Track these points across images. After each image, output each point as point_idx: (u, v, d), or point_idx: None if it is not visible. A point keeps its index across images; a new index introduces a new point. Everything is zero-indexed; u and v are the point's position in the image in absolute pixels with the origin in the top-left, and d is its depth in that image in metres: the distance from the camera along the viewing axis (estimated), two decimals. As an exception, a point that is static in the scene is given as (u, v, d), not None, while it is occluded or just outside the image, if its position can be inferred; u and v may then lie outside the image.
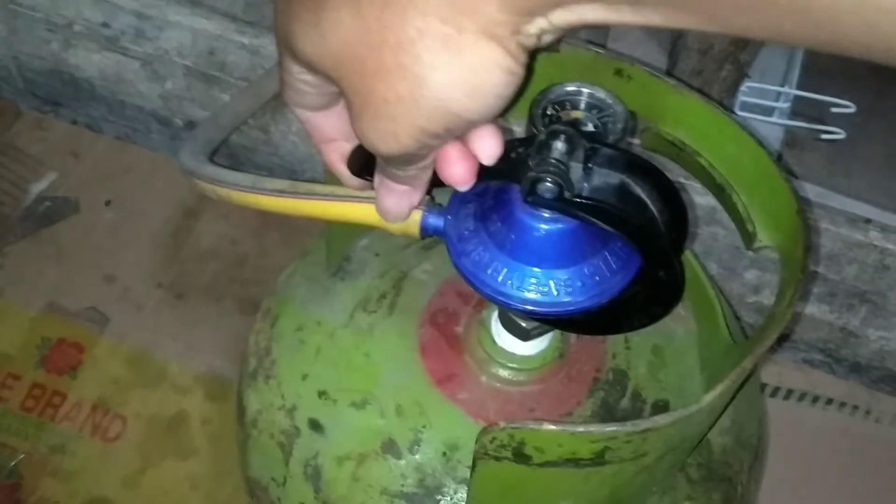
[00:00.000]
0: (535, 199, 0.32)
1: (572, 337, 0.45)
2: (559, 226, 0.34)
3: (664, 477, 0.41)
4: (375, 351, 0.46)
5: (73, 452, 0.65)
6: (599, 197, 0.33)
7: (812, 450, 0.69)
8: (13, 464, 0.64)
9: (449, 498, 0.42)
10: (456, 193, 0.38)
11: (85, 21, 0.75)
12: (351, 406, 0.44)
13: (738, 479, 0.46)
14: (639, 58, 0.42)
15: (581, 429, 0.31)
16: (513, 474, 0.34)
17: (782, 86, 0.72)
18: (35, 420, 0.66)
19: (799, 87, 0.72)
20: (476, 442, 0.33)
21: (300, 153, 0.75)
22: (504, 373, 0.44)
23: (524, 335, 0.42)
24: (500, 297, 0.35)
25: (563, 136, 0.32)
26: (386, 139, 0.28)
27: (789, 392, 0.71)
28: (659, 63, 0.69)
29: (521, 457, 0.33)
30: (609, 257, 0.35)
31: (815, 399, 0.70)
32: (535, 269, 0.35)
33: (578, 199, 0.32)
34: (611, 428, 0.31)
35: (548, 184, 0.32)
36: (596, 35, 0.71)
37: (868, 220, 0.70)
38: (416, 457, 0.43)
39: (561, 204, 0.32)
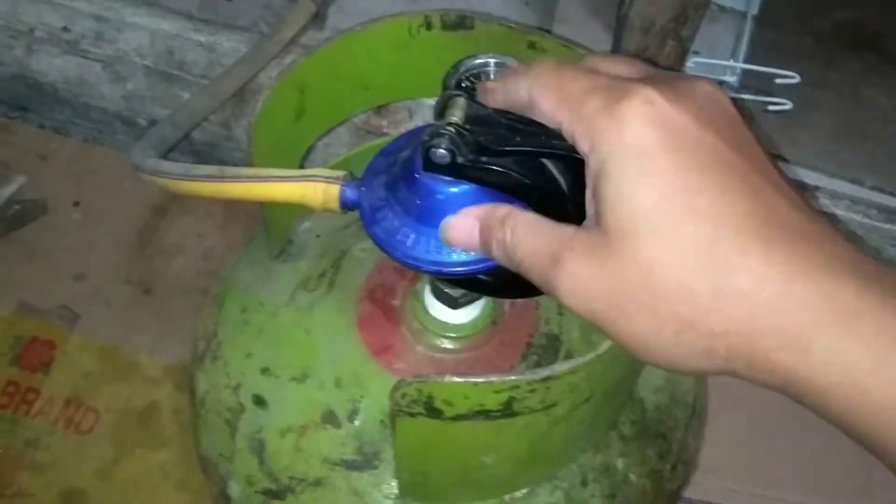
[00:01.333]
0: (429, 166, 0.34)
1: (506, 305, 0.47)
2: (462, 188, 0.35)
3: (590, 432, 0.42)
4: (315, 327, 0.47)
5: (48, 446, 0.66)
6: (495, 161, 0.34)
7: (773, 414, 0.70)
8: (-12, 459, 0.65)
9: (388, 463, 0.43)
10: (369, 166, 0.39)
11: (45, 26, 0.77)
12: (292, 380, 0.46)
13: (672, 435, 0.47)
14: (583, 39, 0.44)
15: (482, 379, 0.33)
16: (430, 430, 0.36)
17: (729, 60, 0.74)
18: (10, 416, 0.67)
19: (746, 62, 0.74)
20: (390, 398, 0.35)
21: (261, 147, 0.77)
22: (438, 342, 0.45)
23: (453, 303, 0.44)
24: (410, 261, 0.37)
25: (457, 102, 0.34)
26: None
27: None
28: (603, 42, 0.71)
29: (432, 411, 0.35)
30: None
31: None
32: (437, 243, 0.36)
33: (470, 164, 0.33)
34: (510, 377, 0.33)
35: (440, 150, 0.33)
36: (541, 18, 0.72)
37: (817, 188, 0.71)
38: (355, 425, 0.44)
39: (453, 169, 0.34)
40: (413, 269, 0.37)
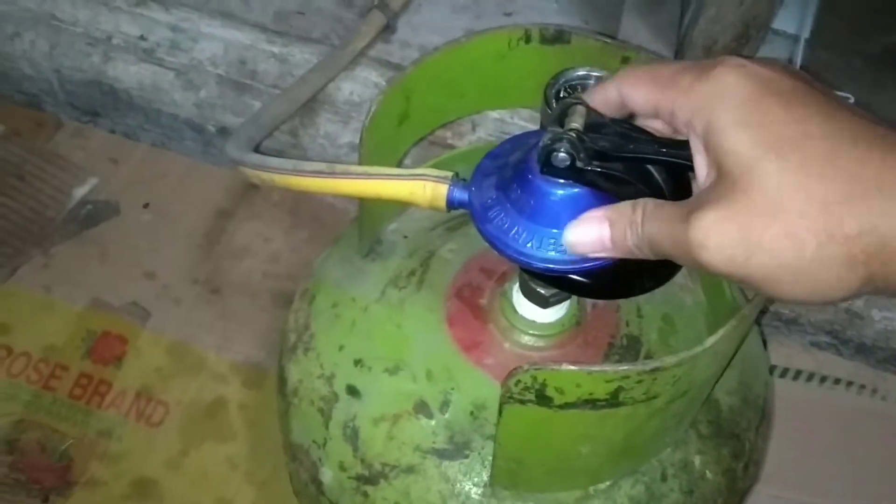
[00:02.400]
0: (548, 169, 0.36)
1: (588, 306, 0.49)
2: (574, 191, 0.38)
3: (675, 427, 0.44)
4: (406, 322, 0.49)
5: (119, 437, 0.69)
6: (609, 166, 0.36)
7: (820, 428, 0.72)
8: (63, 447, 0.68)
9: (477, 453, 0.45)
10: (478, 168, 0.42)
11: (123, 35, 0.80)
12: (385, 372, 0.48)
13: (745, 436, 0.49)
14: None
15: (596, 368, 0.35)
16: (536, 418, 0.38)
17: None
18: (83, 407, 0.70)
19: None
20: (502, 386, 0.37)
21: (328, 155, 0.80)
22: (525, 339, 0.47)
23: (543, 302, 0.46)
24: (523, 258, 0.39)
25: (577, 109, 0.36)
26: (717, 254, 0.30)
27: (798, 373, 0.74)
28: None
29: (543, 399, 0.37)
30: None
31: (823, 379, 0.73)
32: (554, 231, 0.38)
33: (588, 168, 0.36)
34: (623, 367, 0.35)
35: (561, 154, 0.36)
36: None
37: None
38: (446, 416, 0.46)
39: (572, 172, 0.36)
40: (524, 266, 0.39)
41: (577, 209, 0.38)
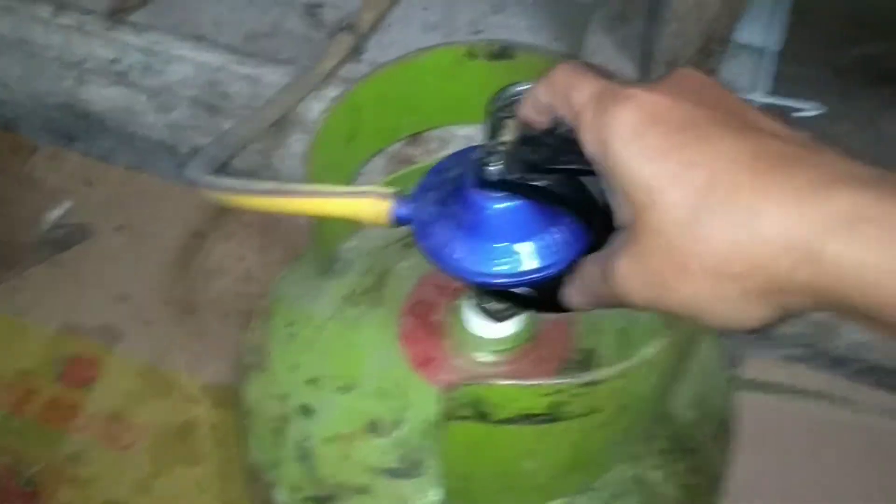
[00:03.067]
0: (482, 183, 0.36)
1: (542, 322, 0.49)
2: (509, 204, 0.38)
3: (625, 441, 0.44)
4: (360, 340, 0.49)
5: (89, 461, 0.68)
6: (540, 178, 0.36)
7: (794, 441, 0.71)
8: (31, 473, 0.67)
9: (430, 471, 0.45)
10: (421, 183, 0.42)
11: (96, 59, 0.80)
12: (338, 391, 0.48)
13: (703, 449, 0.49)
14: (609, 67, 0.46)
15: (531, 383, 0.35)
16: (477, 434, 0.38)
17: (751, 92, 0.76)
18: (53, 431, 0.69)
19: (767, 95, 0.76)
20: (440, 403, 0.37)
21: (299, 175, 0.79)
22: (478, 355, 0.47)
23: (494, 317, 0.46)
24: (460, 273, 0.39)
25: (507, 124, 0.36)
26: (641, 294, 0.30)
27: (771, 386, 0.73)
28: (630, 74, 0.73)
29: (481, 415, 0.36)
30: (558, 232, 0.39)
31: (797, 392, 0.73)
32: (490, 244, 0.38)
33: (519, 182, 0.36)
34: (556, 381, 0.35)
35: (490, 167, 0.36)
36: (570, 48, 0.75)
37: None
38: (399, 434, 0.46)
39: (504, 185, 0.36)
40: (460, 280, 0.39)
41: (512, 222, 0.38)
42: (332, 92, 0.76)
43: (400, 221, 0.42)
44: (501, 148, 0.36)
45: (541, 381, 0.35)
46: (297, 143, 0.78)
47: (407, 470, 0.45)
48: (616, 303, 0.32)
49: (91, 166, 0.85)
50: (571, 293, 0.35)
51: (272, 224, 0.82)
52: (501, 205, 0.37)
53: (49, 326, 0.75)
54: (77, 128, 0.85)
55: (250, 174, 0.82)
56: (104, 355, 0.73)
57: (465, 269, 0.39)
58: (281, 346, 0.51)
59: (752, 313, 0.28)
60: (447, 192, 0.40)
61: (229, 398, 0.71)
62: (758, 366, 0.75)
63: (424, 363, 0.48)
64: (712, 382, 0.51)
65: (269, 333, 0.52)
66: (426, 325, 0.49)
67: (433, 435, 0.46)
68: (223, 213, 0.82)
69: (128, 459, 0.69)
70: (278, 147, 0.78)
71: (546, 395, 0.35)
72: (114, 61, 0.80)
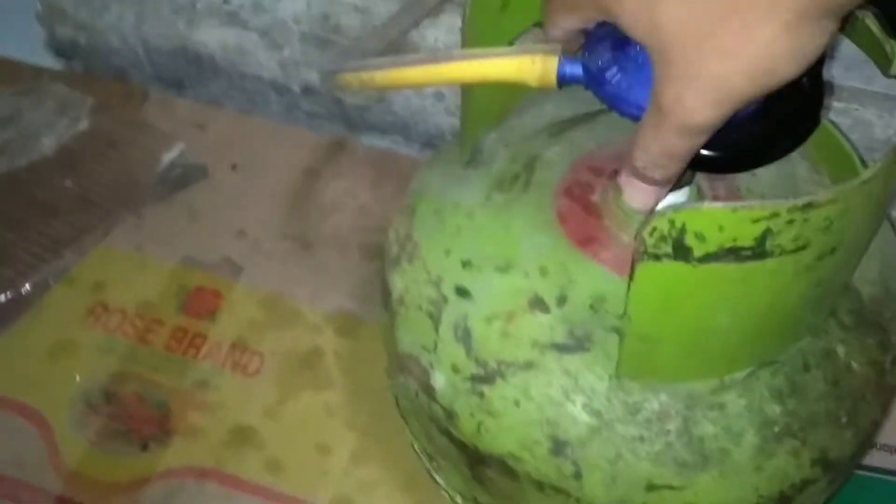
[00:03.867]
0: None
1: (707, 194, 0.46)
2: None
3: (816, 307, 0.41)
4: (514, 223, 0.47)
5: (216, 387, 0.68)
6: None
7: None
8: (160, 399, 0.67)
9: (599, 346, 0.43)
10: (590, 35, 0.40)
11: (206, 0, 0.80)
12: (495, 271, 0.46)
13: (890, 327, 0.45)
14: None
15: (742, 205, 0.32)
16: (673, 277, 0.35)
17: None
18: (179, 359, 0.69)
19: None
20: (635, 238, 0.34)
21: (414, 106, 0.78)
22: (644, 230, 0.45)
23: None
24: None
25: None
26: (703, 108, 0.33)
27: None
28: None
29: (681, 250, 0.34)
30: None
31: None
32: None
33: None
34: (772, 202, 0.32)
35: None
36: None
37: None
38: (564, 310, 0.44)
39: None
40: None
41: None
42: (447, 18, 0.75)
43: (567, 80, 0.40)
44: None
45: (755, 203, 0.32)
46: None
47: (575, 345, 0.43)
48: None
49: (202, 110, 0.85)
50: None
51: (385, 160, 0.80)
52: None
53: (170, 261, 0.74)
54: (188, 73, 0.85)
55: (362, 110, 0.81)
56: (225, 287, 0.73)
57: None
58: (429, 234, 0.49)
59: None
60: (624, 37, 0.38)
61: (352, 327, 0.70)
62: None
63: (586, 242, 0.46)
64: (894, 266, 0.48)
65: (415, 225, 0.50)
66: (584, 205, 0.47)
67: (601, 310, 0.44)
68: (335, 153, 0.81)
69: (255, 386, 0.68)
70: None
71: (758, 220, 0.33)
72: (224, 1, 0.80)
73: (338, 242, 0.75)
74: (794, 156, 0.40)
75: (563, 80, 0.40)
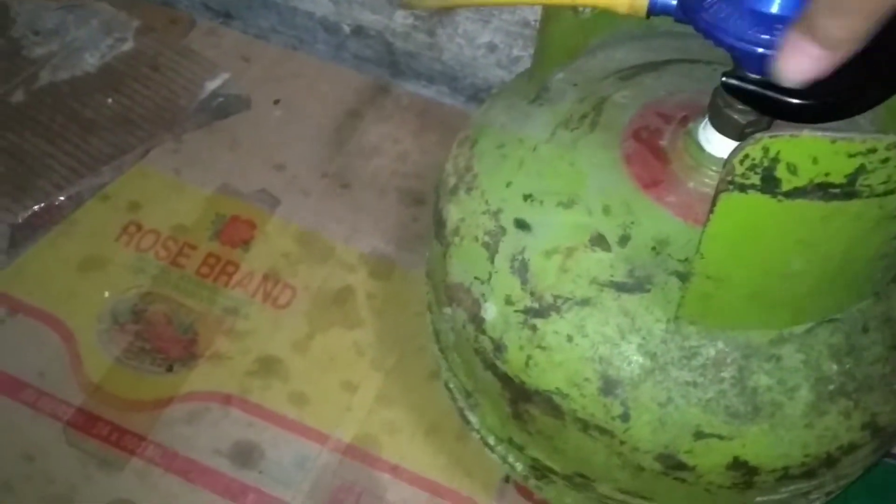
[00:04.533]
0: None
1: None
2: None
3: (889, 265, 0.40)
4: (580, 160, 0.46)
5: (246, 315, 0.67)
6: None
7: None
8: (190, 321, 0.66)
9: (659, 288, 0.42)
10: None
11: (265, -71, 0.79)
12: (558, 206, 0.45)
13: (951, 300, 0.44)
14: None
15: (841, 136, 0.31)
16: (756, 211, 0.34)
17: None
18: (210, 285, 0.68)
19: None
20: (724, 167, 0.34)
21: (464, 57, 0.77)
22: (713, 178, 0.44)
23: (739, 133, 0.42)
24: (745, 45, 0.36)
25: None
26: None
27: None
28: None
29: (770, 182, 0.33)
30: None
31: None
32: (777, 24, 0.35)
33: None
34: (871, 136, 0.31)
35: None
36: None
37: None
38: (625, 250, 0.43)
39: None
40: (744, 54, 0.36)
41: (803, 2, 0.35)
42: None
43: (658, 9, 0.39)
44: None
45: (854, 135, 0.31)
46: (465, 22, 0.75)
47: (635, 285, 0.42)
48: None
49: (249, 43, 0.84)
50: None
51: (429, 107, 0.79)
52: None
53: (206, 188, 0.74)
54: (237, 4, 0.84)
55: (411, 56, 0.80)
56: (261, 218, 0.72)
57: (753, 40, 0.35)
58: (491, 166, 0.48)
59: None
60: None
61: (386, 270, 0.70)
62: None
63: (651, 184, 0.45)
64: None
65: (476, 156, 0.49)
66: (652, 149, 0.46)
67: (664, 253, 0.43)
68: (379, 96, 0.80)
69: (284, 318, 0.67)
70: (446, 26, 0.76)
71: (854, 154, 0.32)
72: (283, -66, 0.79)
73: (376, 185, 0.75)
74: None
75: (654, 9, 0.39)
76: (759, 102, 0.39)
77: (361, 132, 0.78)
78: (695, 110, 0.46)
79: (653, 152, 0.46)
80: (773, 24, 0.36)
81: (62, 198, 0.71)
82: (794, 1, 0.35)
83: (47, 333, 0.66)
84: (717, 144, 0.43)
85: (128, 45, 0.82)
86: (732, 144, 0.43)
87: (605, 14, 0.50)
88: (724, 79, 0.39)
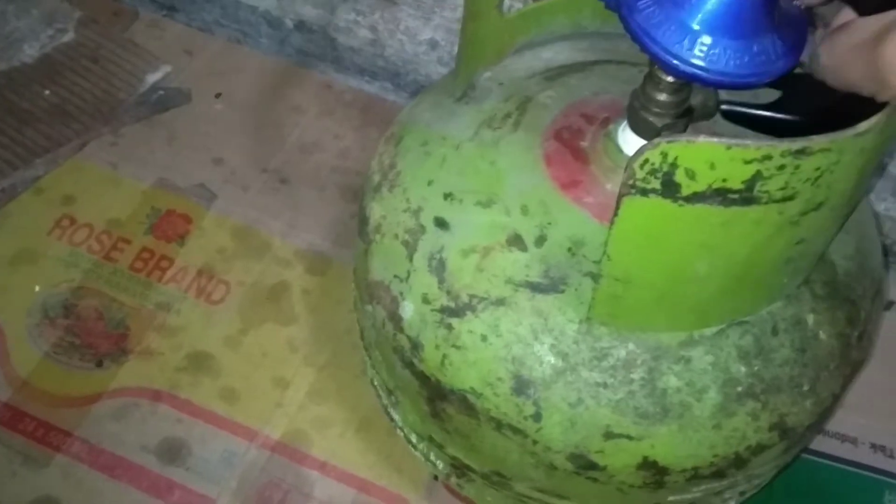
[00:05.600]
0: None
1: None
2: None
3: (793, 272, 0.41)
4: (501, 159, 0.46)
5: (178, 311, 0.66)
6: None
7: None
8: (120, 316, 0.66)
9: (573, 288, 0.42)
10: None
11: (209, -80, 0.78)
12: (477, 205, 0.45)
13: (861, 303, 0.45)
14: None
15: (736, 141, 0.32)
16: (658, 215, 0.35)
17: None
18: (143, 280, 0.68)
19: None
20: (626, 170, 0.34)
21: (406, 53, 0.77)
22: (630, 179, 0.44)
23: (655, 135, 0.42)
24: (669, 57, 0.35)
25: None
26: None
27: (890, 304, 0.70)
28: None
29: (669, 186, 0.34)
30: (777, 41, 0.35)
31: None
32: (707, 35, 0.35)
33: None
34: (766, 143, 0.32)
35: None
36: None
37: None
38: (541, 250, 0.43)
39: None
40: (668, 68, 0.36)
41: (738, 15, 0.35)
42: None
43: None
44: None
45: (749, 142, 0.32)
46: (407, 19, 0.75)
47: (549, 285, 0.43)
48: (876, 90, 0.28)
49: (192, 36, 0.83)
50: (828, 50, 0.31)
51: (372, 105, 0.79)
52: None
53: (143, 182, 0.73)
54: (181, -4, 0.83)
55: (354, 52, 0.80)
56: (198, 213, 0.71)
57: (679, 57, 0.35)
58: (414, 163, 0.48)
59: None
60: None
61: (322, 266, 0.69)
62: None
63: (570, 185, 0.45)
64: (870, 242, 0.48)
65: (400, 153, 0.49)
66: (572, 149, 0.46)
67: (579, 254, 0.43)
68: (322, 91, 0.79)
69: (218, 314, 0.66)
70: (388, 22, 0.76)
71: (750, 161, 0.32)
72: (226, -74, 0.78)
73: (316, 181, 0.74)
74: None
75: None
76: (759, 125, 0.40)
77: (303, 127, 0.77)
78: (617, 112, 0.46)
79: (573, 153, 0.46)
80: (699, 38, 0.35)
81: (-6, 190, 0.70)
82: (720, 20, 0.35)
83: (-25, 327, 0.65)
84: (635, 146, 0.44)
85: (68, 37, 0.81)
86: (649, 146, 0.43)
87: (532, 13, 0.51)
88: (723, 107, 0.39)
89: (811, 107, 0.38)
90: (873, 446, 0.62)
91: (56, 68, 0.78)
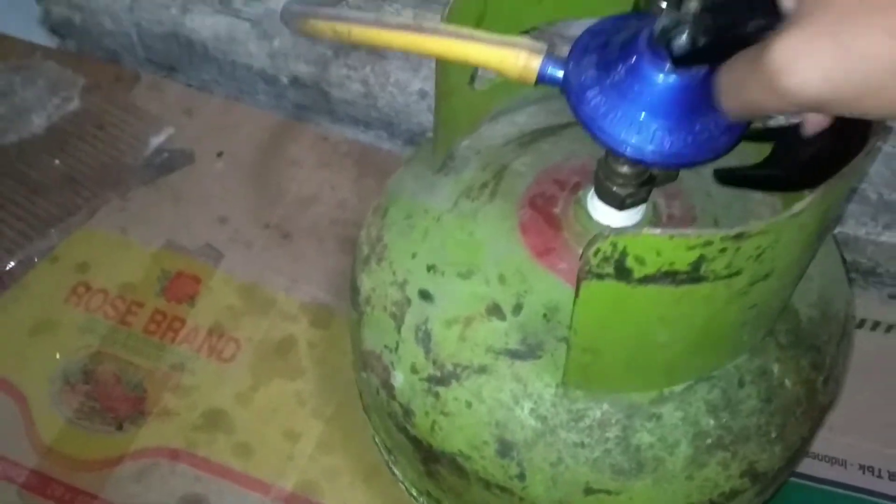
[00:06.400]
0: (669, 54, 0.35)
1: (663, 212, 0.48)
2: (679, 79, 0.37)
3: (754, 326, 0.43)
4: (479, 230, 0.49)
5: (192, 371, 0.70)
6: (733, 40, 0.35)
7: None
8: (138, 379, 0.69)
9: (550, 354, 0.45)
10: (577, 43, 0.40)
11: (201, -13, 0.82)
12: (457, 276, 0.48)
13: (826, 349, 0.48)
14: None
15: (677, 232, 0.34)
16: (614, 295, 0.37)
17: None
18: (157, 342, 0.71)
19: None
20: (581, 258, 0.37)
21: (398, 104, 0.80)
22: (600, 245, 0.47)
23: (619, 203, 0.45)
24: (617, 144, 0.38)
25: None
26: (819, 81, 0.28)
27: (875, 324, 0.72)
28: None
29: (622, 272, 0.36)
30: (718, 118, 0.37)
31: (903, 330, 0.71)
32: (652, 120, 0.37)
33: (708, 49, 0.34)
34: (705, 231, 0.34)
35: (678, 39, 0.35)
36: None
37: None
38: (519, 318, 0.46)
39: (693, 57, 0.35)
40: (617, 153, 0.38)
41: (679, 100, 0.37)
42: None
43: (547, 80, 0.39)
44: (687, 18, 0.35)
45: (689, 231, 0.34)
46: (396, 71, 0.78)
47: (527, 352, 0.45)
48: (775, 102, 0.30)
49: (192, 96, 0.87)
50: (722, 98, 0.33)
51: (367, 154, 0.82)
52: (673, 79, 0.36)
53: (152, 245, 0.76)
54: (179, 58, 0.86)
55: (348, 104, 0.83)
56: (206, 273, 0.75)
57: (626, 143, 0.38)
58: (398, 237, 0.51)
59: None
60: (611, 58, 0.38)
61: (326, 318, 0.73)
62: (861, 303, 0.73)
63: (544, 252, 0.48)
64: (835, 288, 0.50)
65: (386, 226, 0.52)
66: (546, 216, 0.49)
67: (554, 320, 0.46)
68: (318, 144, 0.83)
69: (229, 371, 0.70)
70: (378, 75, 0.79)
71: (692, 247, 0.35)
72: (218, -9, 0.81)
73: (316, 234, 0.77)
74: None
75: (543, 80, 0.39)
76: (754, 182, 0.42)
77: (301, 181, 0.81)
78: (586, 176, 0.49)
79: (547, 220, 0.49)
80: (644, 124, 0.38)
81: (13, 263, 0.74)
82: (662, 107, 0.38)
83: (1, 397, 0.68)
84: (604, 213, 0.46)
85: (74, 105, 0.85)
86: (617, 213, 0.46)
87: (503, 84, 0.54)
88: (716, 173, 0.41)
89: (804, 155, 0.39)
90: (862, 467, 0.64)
91: (64, 137, 0.82)
